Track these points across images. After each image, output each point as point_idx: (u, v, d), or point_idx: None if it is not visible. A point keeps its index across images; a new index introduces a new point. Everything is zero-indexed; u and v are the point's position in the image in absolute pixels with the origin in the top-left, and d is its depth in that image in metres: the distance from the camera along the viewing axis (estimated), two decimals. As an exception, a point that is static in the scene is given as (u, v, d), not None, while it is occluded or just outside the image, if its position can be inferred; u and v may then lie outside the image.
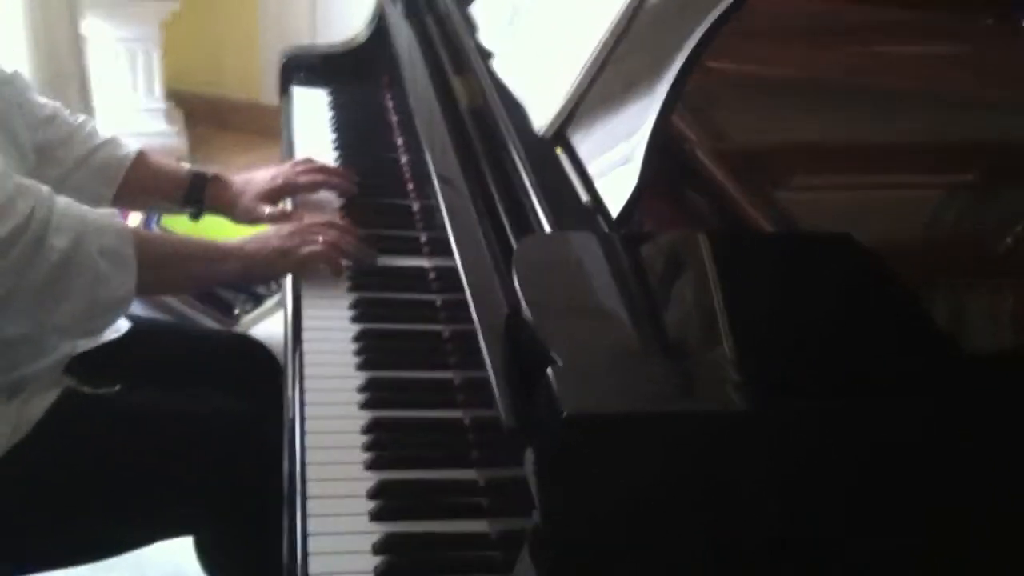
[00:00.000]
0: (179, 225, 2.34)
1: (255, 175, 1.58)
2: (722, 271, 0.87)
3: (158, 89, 3.40)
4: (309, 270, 1.37)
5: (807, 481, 0.76)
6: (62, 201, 1.18)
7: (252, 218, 1.55)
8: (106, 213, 1.25)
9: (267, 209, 1.53)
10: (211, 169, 1.60)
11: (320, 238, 1.37)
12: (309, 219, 1.44)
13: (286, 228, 1.38)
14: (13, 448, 1.23)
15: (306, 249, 1.36)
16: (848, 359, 0.80)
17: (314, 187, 1.57)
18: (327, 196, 1.59)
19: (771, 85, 1.33)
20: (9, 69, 1.39)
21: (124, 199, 1.53)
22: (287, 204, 1.58)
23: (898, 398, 0.76)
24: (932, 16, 1.43)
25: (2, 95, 1.33)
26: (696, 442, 0.72)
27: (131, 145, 1.54)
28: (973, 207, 1.11)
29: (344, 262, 1.39)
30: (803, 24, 1.40)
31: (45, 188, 1.18)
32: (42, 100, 1.47)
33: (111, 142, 1.51)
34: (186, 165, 1.61)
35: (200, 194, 1.55)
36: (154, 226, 2.41)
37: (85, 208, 1.21)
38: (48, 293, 1.15)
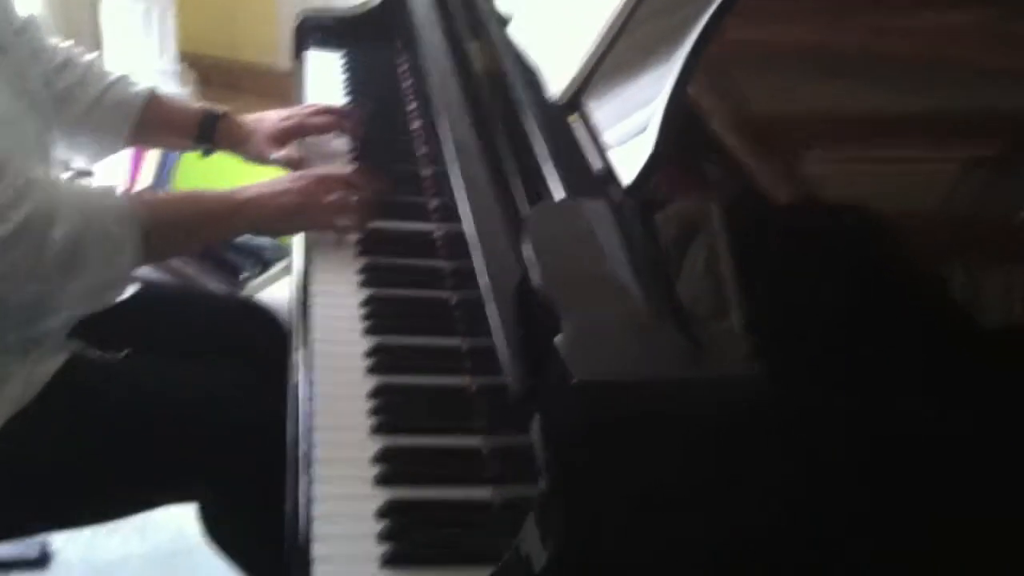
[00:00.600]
0: (193, 169, 2.36)
1: (267, 114, 1.59)
2: (736, 242, 0.86)
3: (171, 50, 3.38)
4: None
5: (820, 452, 0.75)
6: (64, 188, 1.20)
7: (262, 158, 1.56)
8: (107, 193, 1.26)
9: (275, 152, 1.54)
10: (221, 107, 1.61)
11: (332, 197, 1.34)
12: (323, 170, 1.42)
13: (298, 183, 1.35)
14: (22, 410, 1.24)
15: (316, 214, 1.34)
16: (861, 335, 0.79)
17: (325, 128, 1.58)
18: (338, 146, 1.59)
19: (791, 54, 1.31)
20: (24, 13, 1.39)
21: (139, 137, 1.56)
22: (295, 149, 1.57)
23: (912, 379, 0.76)
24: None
25: (19, 44, 1.34)
26: (706, 410, 0.72)
27: (141, 84, 1.56)
28: (996, 181, 1.09)
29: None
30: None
31: (49, 180, 1.20)
32: (54, 42, 1.49)
33: (122, 80, 1.53)
34: (198, 103, 1.64)
35: (211, 132, 1.56)
36: (167, 177, 2.42)
37: (87, 191, 1.24)
38: (54, 278, 1.17)
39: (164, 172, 2.48)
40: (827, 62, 1.16)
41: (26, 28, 1.39)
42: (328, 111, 1.61)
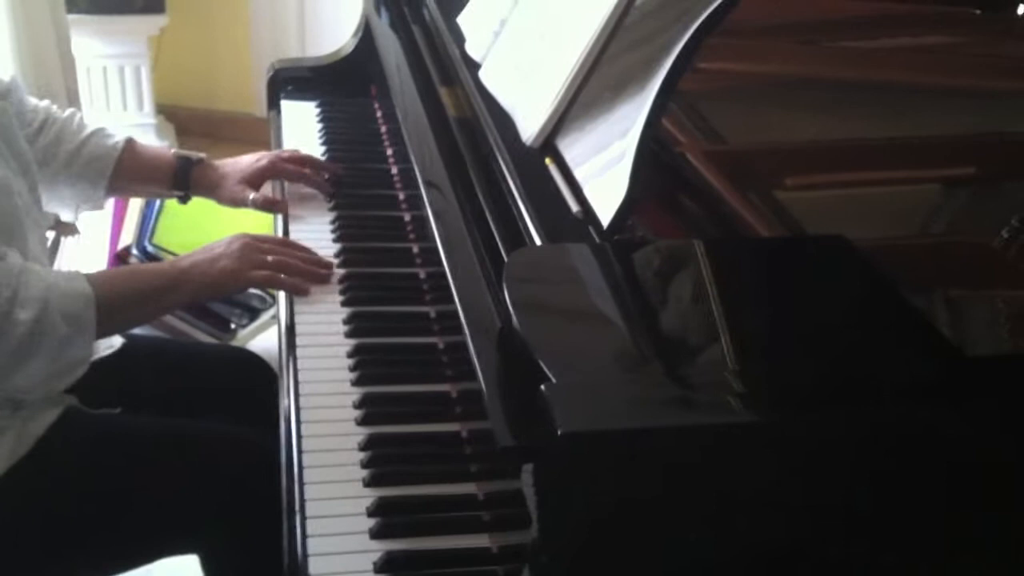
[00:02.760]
0: (175, 220, 2.36)
1: (241, 158, 1.60)
2: (717, 279, 0.87)
3: (148, 104, 3.40)
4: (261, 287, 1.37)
5: (807, 493, 0.75)
6: (30, 271, 1.19)
7: (237, 201, 1.57)
8: (70, 275, 1.26)
9: (251, 194, 1.55)
10: (198, 154, 1.62)
11: (269, 258, 1.35)
12: (253, 235, 1.42)
13: (236, 243, 1.36)
14: (15, 466, 1.23)
15: (254, 272, 1.34)
16: (847, 368, 0.79)
17: (294, 176, 1.59)
18: (319, 201, 1.60)
19: (763, 84, 1.32)
20: (6, 76, 1.41)
21: (118, 186, 1.56)
22: (272, 191, 1.59)
23: (899, 406, 0.76)
24: (923, 8, 1.42)
25: (5, 108, 1.35)
26: (694, 456, 0.71)
27: (119, 134, 1.57)
28: (974, 204, 1.10)
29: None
30: (794, 21, 1.39)
31: (15, 264, 1.20)
32: (33, 102, 1.50)
33: (98, 133, 1.54)
34: (173, 149, 1.64)
35: (187, 178, 1.58)
36: (149, 230, 2.42)
37: (51, 274, 1.23)
38: (12, 360, 1.17)
39: (147, 225, 2.48)
40: (800, 91, 1.18)
41: (10, 91, 1.41)
42: (302, 160, 1.62)
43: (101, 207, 1.62)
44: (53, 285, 1.21)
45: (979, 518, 0.80)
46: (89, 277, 1.26)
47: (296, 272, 1.37)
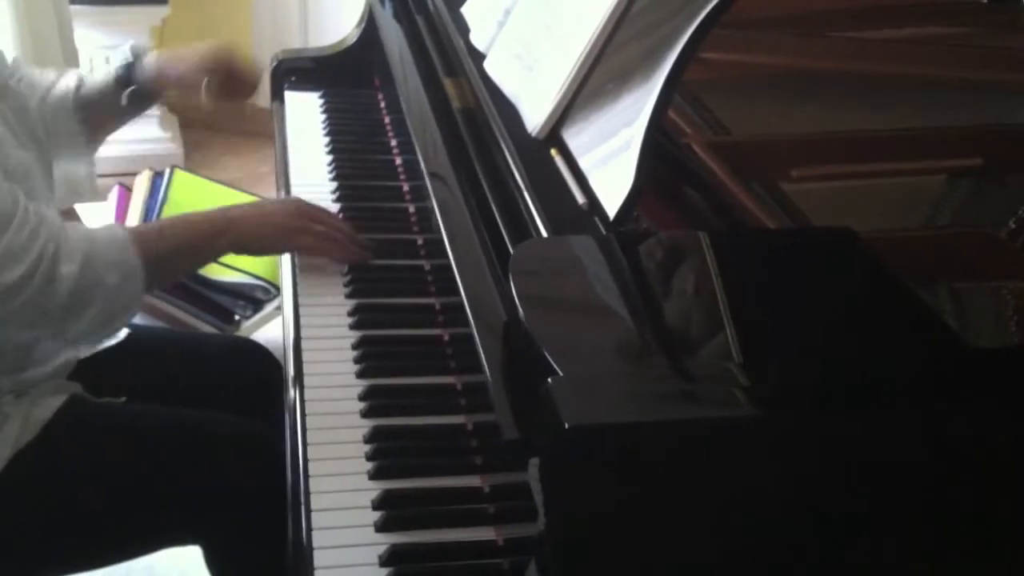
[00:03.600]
0: (181, 207, 2.35)
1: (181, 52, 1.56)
2: (723, 272, 0.86)
3: (150, 95, 3.38)
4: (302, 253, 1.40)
5: (814, 488, 0.75)
6: (69, 226, 1.22)
7: (191, 86, 1.54)
8: (106, 226, 1.29)
9: (205, 79, 1.52)
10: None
11: (317, 227, 1.37)
12: (310, 203, 1.44)
13: (291, 205, 1.39)
14: (20, 452, 1.24)
15: (301, 237, 1.37)
16: (854, 361, 0.79)
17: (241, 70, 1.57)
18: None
19: (769, 75, 1.32)
20: (9, 57, 1.40)
21: (96, 131, 1.55)
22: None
23: (906, 399, 0.75)
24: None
25: (18, 91, 1.36)
26: (700, 450, 0.71)
27: (67, 78, 1.53)
28: (979, 195, 1.10)
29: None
30: (798, 12, 1.38)
31: (56, 220, 1.22)
32: (35, 78, 1.48)
33: (51, 90, 1.50)
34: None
35: (128, 75, 1.52)
36: (154, 217, 2.42)
37: (90, 228, 1.26)
38: (67, 313, 1.19)
39: (150, 217, 2.48)
40: (804, 82, 1.17)
41: (16, 71, 1.41)
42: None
43: (93, 152, 1.59)
44: (91, 237, 1.23)
45: (986, 513, 0.80)
46: (135, 228, 1.28)
47: (339, 248, 1.39)
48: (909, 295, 0.86)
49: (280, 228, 1.36)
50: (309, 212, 1.39)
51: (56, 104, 1.50)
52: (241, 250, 1.39)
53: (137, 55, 1.54)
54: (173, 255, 1.31)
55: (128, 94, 1.53)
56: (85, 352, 1.43)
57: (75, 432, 1.28)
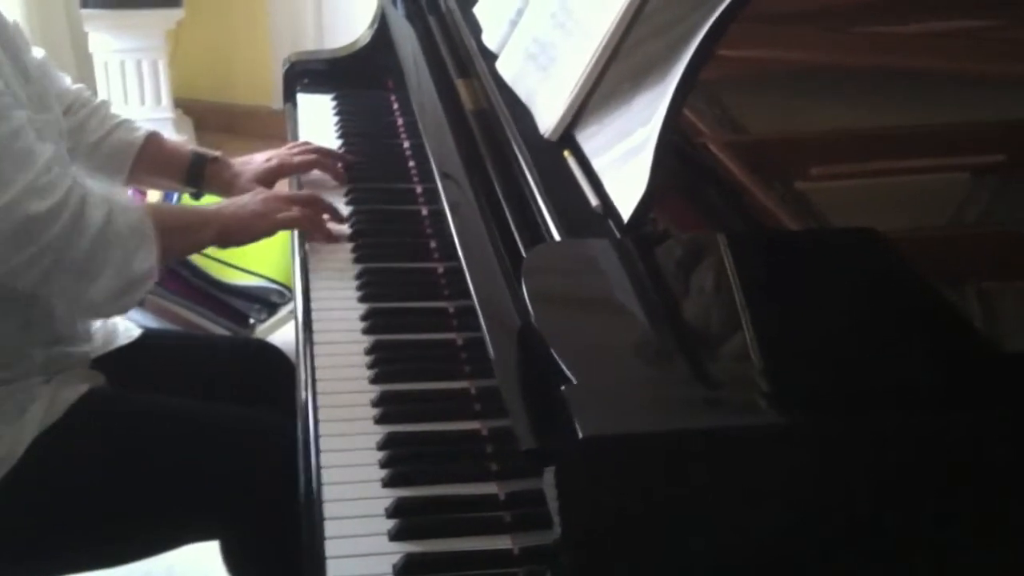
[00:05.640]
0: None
1: (254, 157, 1.65)
2: (741, 274, 0.84)
3: (165, 99, 3.39)
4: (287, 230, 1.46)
5: (837, 497, 0.73)
6: (88, 183, 1.24)
7: None
8: (121, 193, 1.35)
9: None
10: (213, 152, 1.65)
11: (295, 209, 1.42)
12: (282, 191, 1.51)
13: (262, 194, 1.43)
14: (41, 438, 1.25)
15: (281, 214, 1.41)
16: (879, 366, 0.77)
17: (307, 166, 1.63)
18: (336, 195, 1.59)
19: (786, 72, 1.30)
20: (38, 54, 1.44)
21: (134, 179, 1.61)
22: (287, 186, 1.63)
23: (933, 405, 0.73)
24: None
25: (45, 76, 1.38)
26: (719, 459, 0.69)
27: (142, 128, 1.60)
28: (1005, 192, 1.07)
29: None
30: (819, 6, 1.36)
31: (79, 175, 1.25)
32: (65, 84, 1.53)
33: (123, 126, 1.57)
34: (191, 146, 1.67)
35: (200, 174, 1.61)
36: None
37: (106, 189, 1.30)
38: (85, 269, 1.20)
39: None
40: (824, 78, 1.15)
41: (45, 67, 1.43)
42: (313, 149, 1.65)
43: (124, 188, 1.66)
44: (111, 198, 1.25)
45: (1013, 522, 0.78)
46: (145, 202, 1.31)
47: (319, 222, 1.45)
48: (935, 297, 0.84)
49: (256, 215, 1.39)
50: (280, 197, 1.44)
51: (112, 150, 1.56)
52: (227, 240, 1.41)
53: (211, 158, 1.62)
54: (174, 234, 1.33)
55: (191, 193, 1.65)
56: (100, 350, 1.44)
57: (97, 419, 1.30)
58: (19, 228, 1.14)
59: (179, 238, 1.35)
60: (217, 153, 1.63)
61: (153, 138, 1.59)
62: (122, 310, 1.30)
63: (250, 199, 1.41)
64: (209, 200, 1.64)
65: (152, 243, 1.25)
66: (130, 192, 2.27)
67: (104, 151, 1.54)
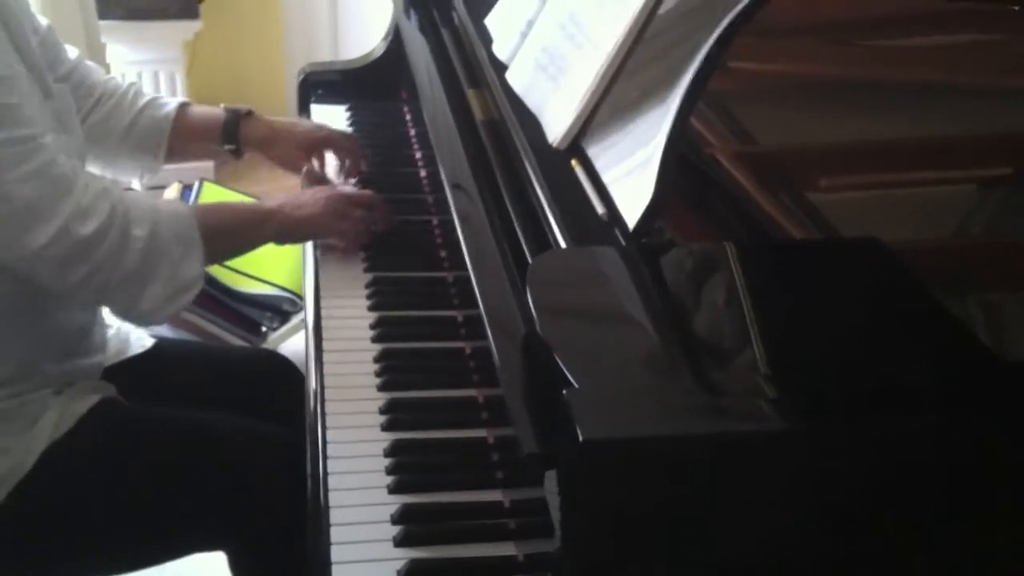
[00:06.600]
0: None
1: (300, 122, 1.68)
2: (748, 283, 0.84)
3: (182, 109, 3.40)
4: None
5: (840, 503, 0.73)
6: (130, 196, 1.25)
7: (288, 165, 1.63)
8: (169, 200, 1.37)
9: (306, 165, 1.60)
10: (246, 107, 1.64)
11: (359, 212, 1.43)
12: (345, 190, 1.50)
13: (321, 195, 1.43)
14: (51, 449, 1.26)
15: (340, 223, 1.42)
16: (884, 375, 0.77)
17: (348, 153, 1.65)
18: None
19: (795, 84, 1.30)
20: (72, 53, 1.46)
21: (175, 151, 1.60)
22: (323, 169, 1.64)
23: (938, 413, 0.73)
24: (958, 5, 1.39)
25: (67, 91, 1.37)
26: (720, 464, 0.70)
27: (171, 101, 1.59)
28: (1010, 203, 1.07)
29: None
30: (826, 20, 1.37)
31: (118, 187, 1.25)
32: (95, 78, 1.53)
33: (151, 104, 1.57)
34: (223, 105, 1.65)
35: (236, 130, 1.60)
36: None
37: (152, 199, 1.30)
38: (136, 280, 1.22)
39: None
40: (831, 90, 1.15)
41: (74, 69, 1.46)
42: (356, 142, 1.67)
43: (158, 172, 1.65)
44: (156, 207, 1.26)
45: (1017, 530, 0.78)
46: (194, 205, 1.29)
47: (368, 235, 1.46)
48: (940, 307, 0.84)
49: (313, 218, 1.40)
50: (343, 199, 1.44)
51: (145, 130, 1.56)
52: (286, 237, 1.42)
53: (245, 112, 1.61)
54: (225, 235, 1.35)
55: (227, 149, 1.63)
56: (112, 359, 1.45)
57: (106, 431, 1.30)
58: (71, 252, 1.16)
59: (235, 238, 1.37)
60: (250, 107, 1.63)
61: (184, 109, 1.59)
62: (172, 315, 1.31)
63: (310, 198, 1.42)
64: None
65: (199, 249, 1.26)
66: (177, 190, 2.29)
67: (138, 132, 1.55)
